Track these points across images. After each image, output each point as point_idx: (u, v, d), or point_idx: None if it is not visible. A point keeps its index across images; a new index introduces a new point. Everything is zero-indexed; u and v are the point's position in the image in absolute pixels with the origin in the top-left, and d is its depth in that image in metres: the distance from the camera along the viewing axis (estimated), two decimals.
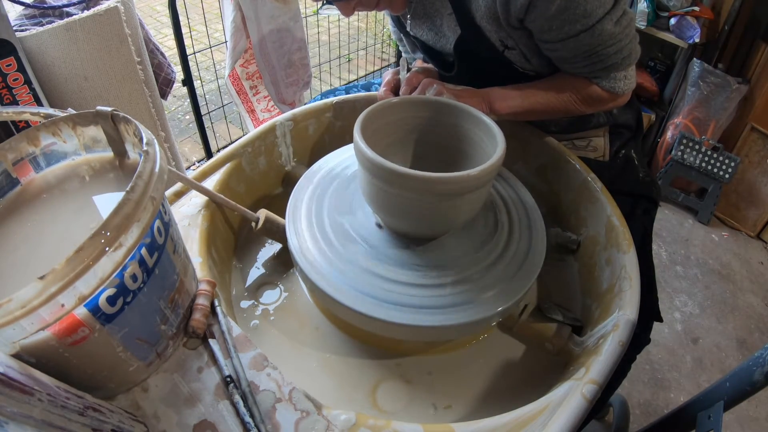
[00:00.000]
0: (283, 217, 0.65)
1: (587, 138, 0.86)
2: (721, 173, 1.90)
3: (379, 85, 1.00)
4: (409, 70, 0.83)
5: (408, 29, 0.84)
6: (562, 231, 0.75)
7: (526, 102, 0.74)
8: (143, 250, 0.39)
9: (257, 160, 0.78)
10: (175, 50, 1.44)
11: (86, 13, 0.99)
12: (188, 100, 1.62)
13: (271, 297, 0.66)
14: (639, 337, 0.73)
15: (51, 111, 0.49)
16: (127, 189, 0.35)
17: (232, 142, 0.82)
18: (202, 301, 0.51)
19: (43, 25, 0.99)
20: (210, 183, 0.69)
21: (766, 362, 0.58)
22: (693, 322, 1.59)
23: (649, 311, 0.75)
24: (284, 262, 0.70)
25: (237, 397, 0.45)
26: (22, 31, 0.97)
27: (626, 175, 0.84)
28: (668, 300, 1.65)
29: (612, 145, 0.86)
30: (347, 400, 0.55)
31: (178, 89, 1.86)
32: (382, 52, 2.91)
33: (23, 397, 0.30)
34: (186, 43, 1.43)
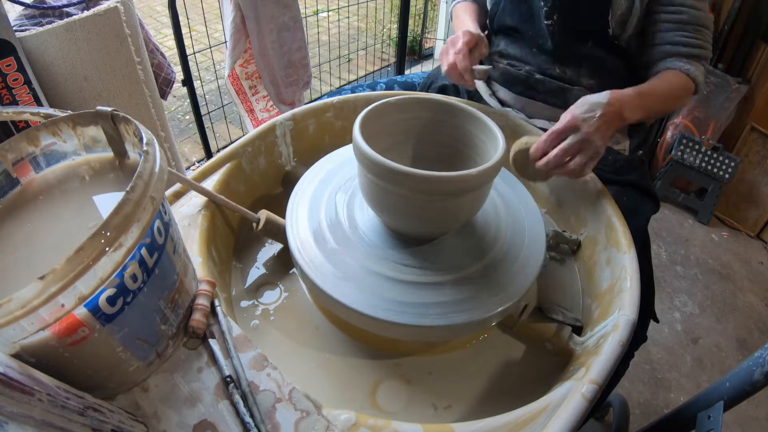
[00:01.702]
0: (283, 217, 0.65)
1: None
2: (721, 173, 1.90)
3: (385, 84, 1.00)
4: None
5: None
6: (562, 231, 0.75)
7: (645, 112, 0.74)
8: (143, 250, 0.39)
9: (257, 160, 0.78)
10: (175, 50, 1.44)
11: (86, 13, 0.99)
12: (188, 100, 1.62)
13: (271, 297, 0.66)
14: (636, 334, 0.73)
15: (51, 111, 0.49)
16: (127, 189, 0.35)
17: (232, 142, 0.82)
18: (202, 301, 0.51)
19: (43, 25, 0.99)
20: (210, 183, 0.69)
21: (766, 362, 0.58)
22: (693, 322, 1.59)
23: (646, 308, 0.76)
24: (284, 262, 0.70)
25: (237, 397, 0.45)
26: (22, 31, 0.97)
27: (640, 172, 0.87)
28: (668, 300, 1.65)
29: (631, 142, 0.90)
30: (347, 400, 0.55)
31: (178, 89, 1.86)
32: (382, 52, 2.91)
33: (23, 397, 0.30)
34: (186, 43, 1.43)
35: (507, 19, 0.91)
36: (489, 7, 0.95)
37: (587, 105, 0.67)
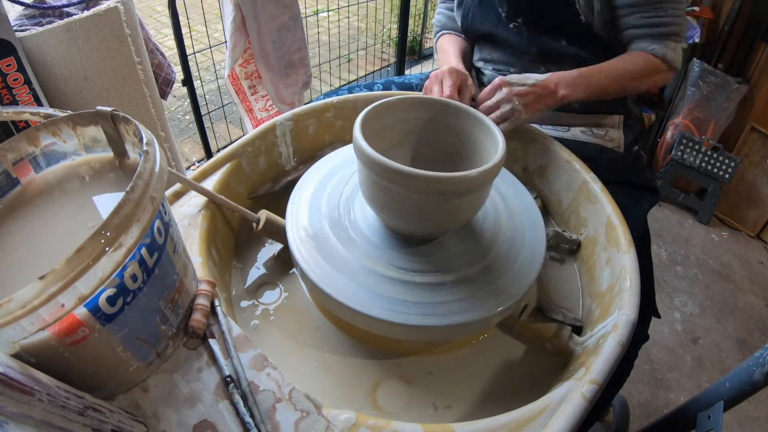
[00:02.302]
0: (283, 217, 0.65)
1: (605, 128, 0.89)
2: (721, 173, 1.90)
3: (382, 85, 1.00)
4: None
5: None
6: (562, 231, 0.75)
7: (590, 90, 0.76)
8: (143, 250, 0.39)
9: (257, 160, 0.78)
10: (175, 50, 1.44)
11: (86, 13, 0.99)
12: (188, 100, 1.62)
13: (271, 297, 0.66)
14: (637, 333, 0.73)
15: (51, 111, 0.49)
16: (127, 189, 0.35)
17: (232, 142, 0.82)
18: (202, 301, 0.51)
19: (43, 25, 0.99)
20: (210, 183, 0.69)
21: (766, 362, 0.58)
22: (693, 322, 1.59)
23: (647, 306, 0.76)
24: (284, 262, 0.70)
25: (237, 397, 0.45)
26: (22, 31, 0.97)
27: (637, 168, 0.87)
28: (668, 300, 1.65)
29: (626, 138, 0.90)
30: (347, 400, 0.55)
31: (178, 89, 1.86)
32: (382, 52, 2.91)
33: (23, 397, 0.30)
34: (186, 43, 1.43)
35: (479, 26, 0.91)
36: (459, 19, 0.95)
37: (524, 77, 0.74)
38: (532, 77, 0.74)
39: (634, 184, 0.82)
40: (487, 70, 0.95)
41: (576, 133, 0.87)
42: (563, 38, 0.84)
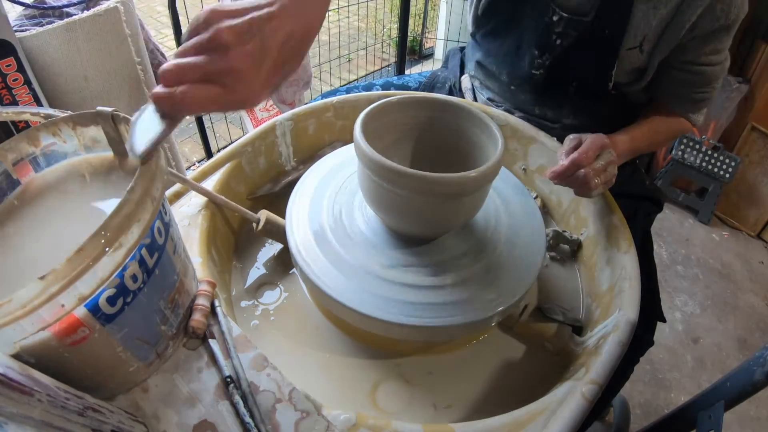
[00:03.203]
0: (283, 217, 0.65)
1: None
2: (722, 173, 1.90)
3: (381, 86, 1.00)
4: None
5: None
6: (562, 231, 0.75)
7: (631, 155, 0.76)
8: (143, 251, 0.39)
9: (257, 160, 0.78)
10: (175, 50, 1.44)
11: (86, 13, 0.99)
12: None
13: (271, 297, 0.66)
14: (642, 339, 0.73)
15: (51, 111, 0.49)
16: (128, 189, 0.35)
17: (232, 142, 0.82)
18: (202, 302, 0.51)
19: (43, 26, 0.99)
20: (210, 183, 0.69)
21: (766, 362, 0.58)
22: (693, 321, 1.59)
23: (652, 312, 0.75)
24: (284, 262, 0.70)
25: (237, 398, 0.45)
26: (22, 31, 0.97)
27: (633, 180, 0.86)
28: (669, 300, 1.64)
29: None
30: (347, 400, 0.55)
31: None
32: (383, 52, 2.91)
33: (23, 397, 0.30)
34: None
35: (486, 61, 0.88)
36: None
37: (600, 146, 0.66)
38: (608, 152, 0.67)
39: (632, 195, 0.81)
40: (482, 96, 0.93)
41: None
42: (574, 85, 0.80)
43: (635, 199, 0.82)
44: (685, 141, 1.91)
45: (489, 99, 0.92)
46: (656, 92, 0.81)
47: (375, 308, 0.53)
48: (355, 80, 2.67)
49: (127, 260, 0.35)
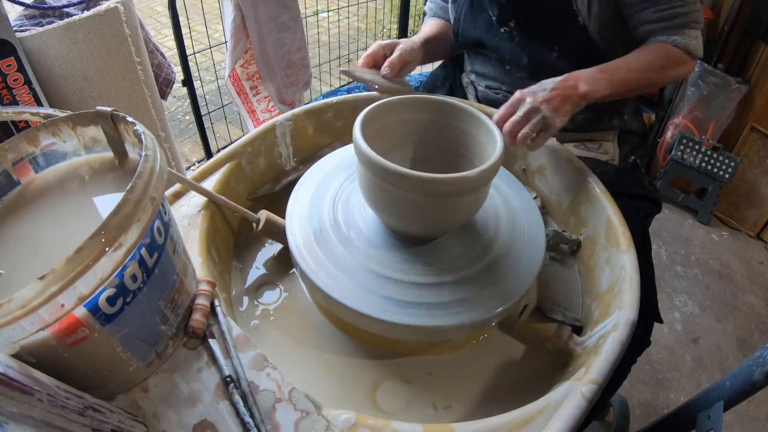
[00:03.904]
0: (283, 217, 0.65)
1: (598, 141, 0.88)
2: (721, 173, 1.90)
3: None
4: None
5: None
6: (562, 231, 0.75)
7: (614, 86, 0.72)
8: (143, 250, 0.39)
9: (257, 160, 0.78)
10: (175, 50, 1.44)
11: (86, 13, 0.99)
12: (188, 100, 1.62)
13: (271, 297, 0.66)
14: (640, 339, 0.72)
15: (51, 111, 0.49)
16: (127, 189, 0.35)
17: (232, 142, 0.82)
18: (202, 301, 0.51)
19: (43, 26, 0.99)
20: (210, 183, 0.69)
21: (766, 362, 0.58)
22: (693, 321, 1.59)
23: (649, 313, 0.75)
24: (284, 262, 0.70)
25: (237, 397, 0.45)
26: (22, 31, 0.97)
27: (633, 179, 0.85)
28: (668, 300, 1.64)
29: (621, 150, 0.88)
30: (347, 400, 0.55)
31: (178, 89, 1.86)
32: None
33: (23, 397, 0.30)
34: (186, 44, 1.43)
35: (469, 32, 0.89)
36: (452, 21, 0.94)
37: (539, 84, 0.68)
38: (549, 82, 0.69)
39: (631, 194, 0.80)
40: (480, 86, 0.94)
41: (568, 147, 0.86)
42: (556, 44, 0.81)
43: (634, 198, 0.81)
44: (684, 141, 1.91)
45: (487, 87, 0.92)
46: (634, 31, 0.80)
47: (374, 308, 0.53)
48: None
49: (126, 260, 0.35)
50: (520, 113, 0.66)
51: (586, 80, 0.69)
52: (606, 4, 0.77)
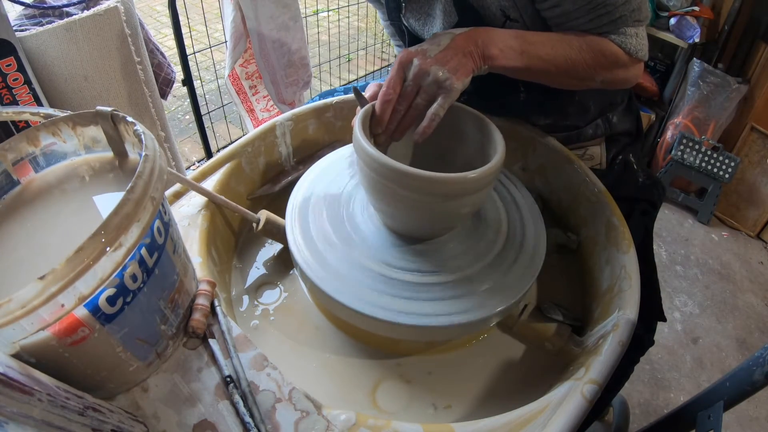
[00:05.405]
0: (283, 217, 0.65)
1: (583, 148, 0.83)
2: (721, 173, 1.90)
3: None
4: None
5: (403, 14, 0.76)
6: (562, 231, 0.75)
7: (528, 59, 0.61)
8: (143, 250, 0.39)
9: (257, 160, 0.78)
10: (175, 50, 1.44)
11: (86, 13, 0.99)
12: (188, 100, 1.62)
13: (271, 297, 0.66)
14: (642, 339, 0.72)
15: (51, 111, 0.49)
16: (127, 189, 0.35)
17: (232, 142, 0.82)
18: (202, 301, 0.51)
19: (43, 25, 0.99)
20: (210, 183, 0.69)
21: (766, 362, 0.58)
22: (693, 321, 1.59)
23: (652, 312, 0.75)
24: (284, 262, 0.70)
25: (237, 397, 0.45)
26: (22, 31, 0.97)
27: (625, 180, 0.81)
28: (668, 300, 1.65)
29: (609, 153, 0.83)
30: (347, 400, 0.55)
31: (178, 89, 1.85)
32: (382, 52, 2.91)
33: (23, 397, 0.30)
34: (186, 43, 1.43)
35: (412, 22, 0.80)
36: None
37: (436, 37, 0.57)
38: (447, 34, 0.57)
39: (624, 198, 0.75)
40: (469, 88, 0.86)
41: None
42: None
43: (631, 201, 0.79)
44: (684, 141, 1.91)
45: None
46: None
47: (375, 308, 0.53)
48: (355, 80, 2.67)
49: (126, 260, 0.35)
50: (408, 81, 0.56)
51: (496, 42, 0.58)
52: (530, 20, 0.67)
